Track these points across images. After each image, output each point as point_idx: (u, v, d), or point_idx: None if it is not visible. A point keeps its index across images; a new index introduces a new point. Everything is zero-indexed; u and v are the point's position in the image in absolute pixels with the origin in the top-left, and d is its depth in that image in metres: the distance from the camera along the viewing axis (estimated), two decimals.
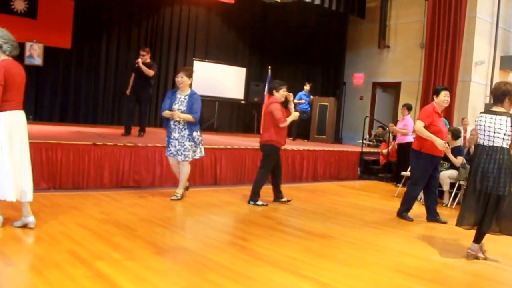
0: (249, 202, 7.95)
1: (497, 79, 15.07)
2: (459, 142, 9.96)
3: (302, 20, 17.41)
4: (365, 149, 13.31)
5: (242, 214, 7.33)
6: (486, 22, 14.67)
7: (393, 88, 16.88)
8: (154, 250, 4.91)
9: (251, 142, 11.82)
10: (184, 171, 7.82)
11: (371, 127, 16.68)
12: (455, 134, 9.59)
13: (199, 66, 15.52)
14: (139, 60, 10.42)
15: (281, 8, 17.11)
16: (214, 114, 16.77)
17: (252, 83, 17.18)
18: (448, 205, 9.25)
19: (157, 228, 5.87)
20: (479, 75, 14.70)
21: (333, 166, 11.91)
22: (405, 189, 10.00)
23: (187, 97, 7.63)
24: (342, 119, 17.26)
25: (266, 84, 16.96)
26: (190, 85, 7.81)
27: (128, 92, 10.68)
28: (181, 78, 7.61)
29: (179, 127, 7.61)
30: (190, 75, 7.77)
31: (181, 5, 16.06)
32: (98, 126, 13.29)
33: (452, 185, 9.42)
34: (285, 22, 17.71)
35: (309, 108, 14.95)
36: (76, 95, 14.14)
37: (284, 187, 9.83)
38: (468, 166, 9.15)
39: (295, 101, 14.84)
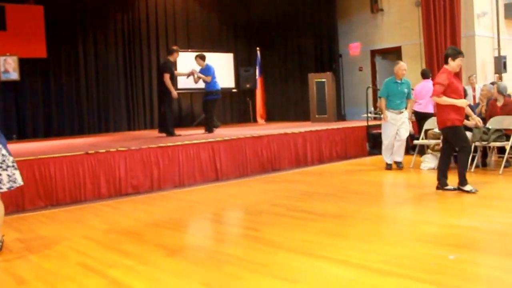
0: (457, 189, 7.55)
1: (503, 30, 15.34)
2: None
3: None
4: (372, 123, 13.55)
5: (249, 205, 7.62)
6: None
7: (394, 54, 17.08)
8: (166, 252, 5.21)
9: (250, 130, 12.14)
10: None
11: (375, 99, 16.93)
12: None
13: (182, 57, 15.74)
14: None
15: None
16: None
17: (242, 68, 17.47)
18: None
19: (165, 231, 6.19)
20: (483, 28, 14.93)
21: (339, 145, 12.19)
22: (419, 158, 10.31)
23: None
24: (342, 94, 17.45)
25: (257, 67, 17.28)
26: None
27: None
28: None
29: None
30: None
31: None
32: (86, 136, 13.67)
33: None
34: None
35: (211, 87, 12.47)
36: (59, 106, 14.42)
37: (289, 173, 10.19)
38: (481, 126, 9.41)
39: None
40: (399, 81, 10.23)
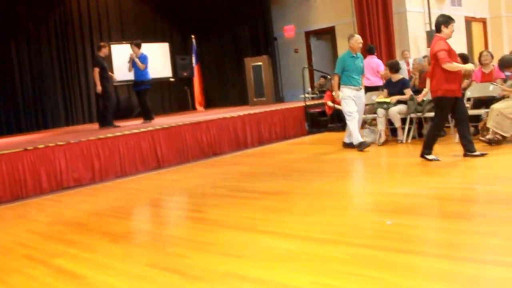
0: (421, 156, 7.50)
1: (434, 5, 15.75)
2: (402, 75, 10.50)
3: None
4: (309, 103, 13.77)
5: (191, 189, 7.70)
6: None
7: (328, 34, 17.37)
8: (110, 239, 5.25)
9: (189, 118, 12.17)
10: None
11: (312, 80, 17.18)
12: (394, 67, 10.09)
13: (117, 50, 15.65)
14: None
15: None
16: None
17: (178, 57, 17.36)
18: (404, 141, 9.68)
19: (109, 219, 6.21)
20: (414, 4, 15.30)
21: (278, 126, 12.33)
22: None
23: None
24: (280, 77, 17.64)
25: (193, 55, 17.26)
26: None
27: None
28: None
29: None
30: None
31: None
32: (24, 134, 13.43)
33: (403, 121, 9.82)
34: None
35: (143, 76, 12.27)
36: None
37: (230, 156, 10.30)
38: (416, 98, 9.71)
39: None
40: (355, 55, 9.59)
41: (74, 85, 15.60)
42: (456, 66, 7.26)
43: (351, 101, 9.46)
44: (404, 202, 5.47)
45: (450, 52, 7.27)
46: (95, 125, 12.70)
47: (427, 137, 7.61)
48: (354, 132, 9.44)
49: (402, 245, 4.05)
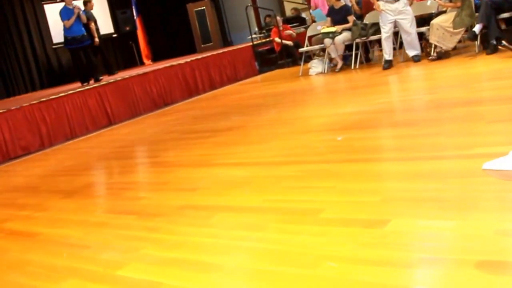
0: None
1: None
2: (343, 2, 10.53)
3: None
4: (257, 42, 13.77)
5: (145, 138, 7.71)
6: None
7: None
8: (63, 196, 5.20)
9: (135, 71, 12.05)
10: None
11: (258, 20, 17.09)
12: None
13: (52, 11, 15.27)
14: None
15: None
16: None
17: (118, 11, 17.05)
18: (352, 67, 9.89)
19: (61, 178, 6.17)
20: None
21: (228, 68, 12.32)
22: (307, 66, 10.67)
23: None
24: (226, 21, 17.53)
25: (133, 7, 16.97)
26: None
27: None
28: None
29: None
30: None
31: None
32: None
33: (349, 48, 10.07)
34: None
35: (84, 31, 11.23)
36: None
37: (182, 104, 10.31)
38: (359, 23, 9.80)
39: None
40: None
41: (10, 53, 15.17)
42: None
43: (383, 14, 8.92)
44: (353, 119, 5.58)
45: None
46: (40, 92, 12.42)
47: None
48: (384, 49, 9.08)
49: (352, 155, 4.15)
